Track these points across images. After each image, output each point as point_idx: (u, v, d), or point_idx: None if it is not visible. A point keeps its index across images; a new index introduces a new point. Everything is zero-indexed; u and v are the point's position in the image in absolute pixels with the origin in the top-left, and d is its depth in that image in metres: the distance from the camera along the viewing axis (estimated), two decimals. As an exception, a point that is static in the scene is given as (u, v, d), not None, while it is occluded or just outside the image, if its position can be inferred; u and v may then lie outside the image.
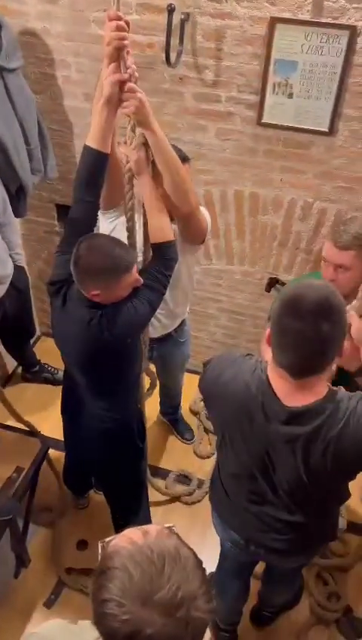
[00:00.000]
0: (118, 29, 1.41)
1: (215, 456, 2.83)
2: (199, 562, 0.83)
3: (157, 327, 2.16)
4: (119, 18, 1.40)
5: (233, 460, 1.48)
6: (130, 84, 1.46)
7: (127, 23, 1.43)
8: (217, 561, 2.00)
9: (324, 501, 1.46)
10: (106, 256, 1.56)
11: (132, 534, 0.84)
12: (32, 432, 2.36)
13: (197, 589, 0.78)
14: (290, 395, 1.29)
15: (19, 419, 2.30)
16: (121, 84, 1.47)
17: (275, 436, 1.32)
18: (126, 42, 1.43)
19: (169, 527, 0.88)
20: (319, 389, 1.29)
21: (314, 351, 1.22)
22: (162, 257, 1.72)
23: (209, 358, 1.52)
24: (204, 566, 0.84)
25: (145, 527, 0.86)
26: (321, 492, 1.41)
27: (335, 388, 1.32)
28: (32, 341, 3.19)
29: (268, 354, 1.31)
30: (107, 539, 0.87)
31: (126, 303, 1.65)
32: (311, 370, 1.26)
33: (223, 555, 1.92)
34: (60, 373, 3.14)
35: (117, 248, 1.60)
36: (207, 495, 2.64)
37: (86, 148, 1.59)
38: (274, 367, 1.30)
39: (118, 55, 1.45)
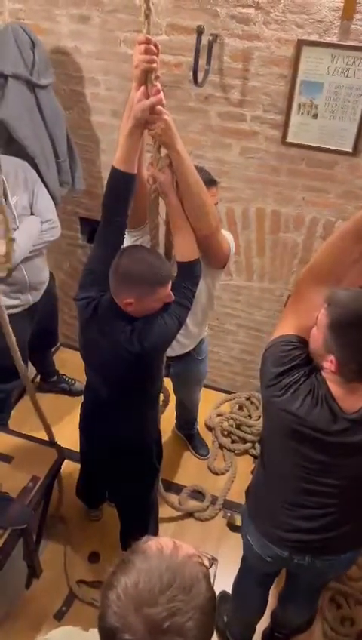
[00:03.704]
0: (147, 52, 1.43)
1: (230, 471, 2.84)
2: (209, 607, 0.80)
3: (175, 348, 2.16)
4: (148, 42, 1.42)
5: (287, 466, 1.49)
6: (157, 107, 1.49)
7: (157, 47, 1.45)
8: (233, 578, 1.99)
9: None
10: (146, 266, 1.59)
11: (166, 543, 0.84)
12: (49, 442, 2.37)
13: (187, 629, 0.76)
14: (352, 401, 1.34)
15: (45, 424, 2.31)
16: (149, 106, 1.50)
17: (340, 442, 1.36)
18: (154, 65, 1.45)
19: (210, 559, 0.87)
20: None
21: None
22: (188, 274, 1.74)
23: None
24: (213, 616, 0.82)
25: (182, 544, 0.85)
26: None
27: None
28: (52, 350, 3.23)
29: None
30: (154, 537, 0.88)
31: (156, 317, 1.66)
32: None
33: (246, 568, 1.91)
34: (77, 385, 3.16)
35: (157, 260, 1.64)
36: (221, 512, 2.65)
37: (113, 169, 1.61)
38: (337, 383, 1.34)
39: (145, 78, 1.47)
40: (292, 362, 1.38)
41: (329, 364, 1.32)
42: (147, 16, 1.40)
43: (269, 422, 1.53)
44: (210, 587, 0.82)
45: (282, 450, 1.49)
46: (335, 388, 1.35)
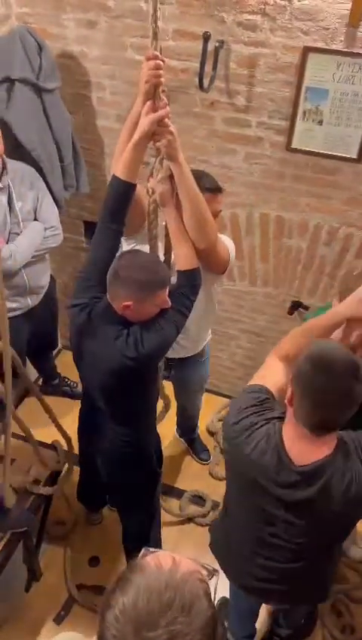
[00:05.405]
0: (156, 67, 1.48)
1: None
2: (209, 627, 0.77)
3: (177, 350, 2.16)
4: (156, 57, 1.48)
5: (243, 515, 1.51)
6: (164, 120, 1.53)
7: (163, 62, 1.51)
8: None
9: (330, 546, 1.52)
10: (146, 268, 1.60)
11: (164, 558, 0.81)
12: (50, 445, 2.37)
13: None
14: (302, 452, 1.34)
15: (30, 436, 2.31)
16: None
17: (287, 497, 1.37)
18: (162, 80, 1.51)
19: (210, 571, 0.84)
20: (332, 441, 1.35)
21: (344, 408, 1.27)
22: (188, 283, 1.75)
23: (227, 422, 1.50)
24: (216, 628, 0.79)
25: (182, 558, 0.82)
26: (331, 538, 1.47)
27: (343, 433, 1.38)
28: (53, 353, 3.23)
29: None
30: (152, 549, 0.86)
31: (153, 322, 1.66)
32: (335, 426, 1.32)
33: None
34: (79, 387, 3.15)
35: (156, 264, 1.66)
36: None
37: (115, 179, 1.63)
38: (291, 424, 1.34)
39: (154, 92, 1.52)
40: (254, 407, 1.41)
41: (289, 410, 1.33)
42: (155, 35, 1.46)
43: (228, 462, 1.56)
44: (211, 605, 0.79)
45: (238, 493, 1.50)
46: (288, 438, 1.35)
